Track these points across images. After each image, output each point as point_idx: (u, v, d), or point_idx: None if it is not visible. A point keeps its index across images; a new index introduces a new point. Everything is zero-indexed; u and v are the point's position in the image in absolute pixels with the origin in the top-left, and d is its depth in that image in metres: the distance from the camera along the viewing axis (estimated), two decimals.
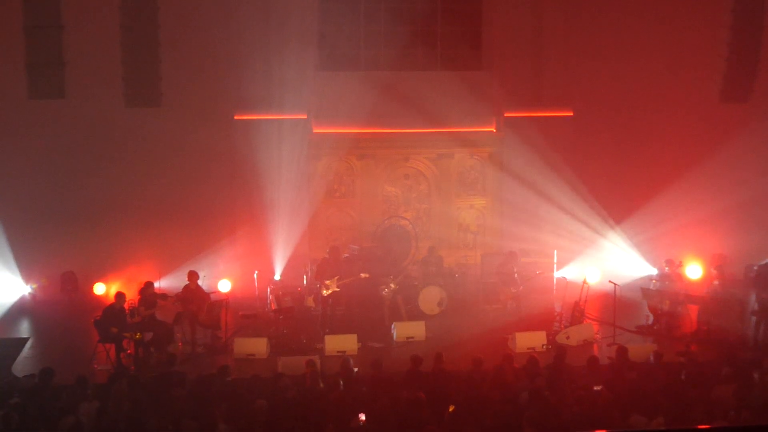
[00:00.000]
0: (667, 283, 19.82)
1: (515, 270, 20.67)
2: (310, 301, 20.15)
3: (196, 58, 22.15)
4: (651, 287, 19.92)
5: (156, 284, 19.02)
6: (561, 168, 22.85)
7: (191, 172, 22.45)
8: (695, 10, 23.39)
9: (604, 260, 22.18)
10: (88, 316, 18.88)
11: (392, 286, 19.86)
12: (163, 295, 18.47)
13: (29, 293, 22.05)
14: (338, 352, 17.40)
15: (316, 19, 23.30)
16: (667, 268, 20.18)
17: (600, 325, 19.62)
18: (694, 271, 21.68)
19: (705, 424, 12.28)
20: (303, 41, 22.73)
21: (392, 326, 18.96)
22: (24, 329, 20.31)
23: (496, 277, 20.88)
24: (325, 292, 19.43)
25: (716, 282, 19.35)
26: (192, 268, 19.10)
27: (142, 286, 18.41)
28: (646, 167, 23.04)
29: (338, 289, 19.66)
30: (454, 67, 23.94)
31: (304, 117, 22.88)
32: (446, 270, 21.76)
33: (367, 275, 19.68)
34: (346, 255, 21.60)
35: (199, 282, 18.88)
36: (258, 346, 17.79)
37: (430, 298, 20.42)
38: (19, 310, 21.42)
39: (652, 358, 15.34)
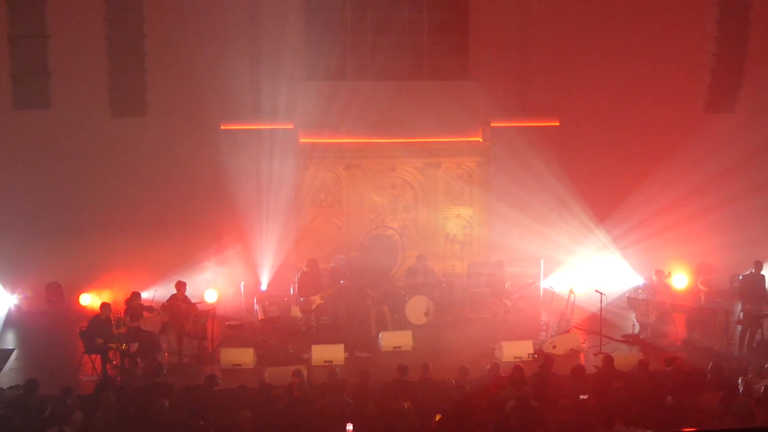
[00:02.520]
0: (653, 293, 19.96)
1: (506, 280, 20.76)
2: (296, 311, 20.17)
3: (181, 68, 22.12)
4: (637, 297, 20.05)
5: (143, 294, 19.03)
6: (547, 178, 22.96)
7: (177, 182, 22.47)
8: (680, 20, 23.56)
9: (590, 270, 22.28)
10: (74, 327, 18.88)
11: (374, 295, 19.94)
12: (150, 308, 18.46)
13: (14, 304, 21.98)
14: (325, 362, 17.44)
15: (302, 30, 23.40)
16: (655, 278, 20.31)
17: (586, 334, 19.70)
18: (680, 281, 21.85)
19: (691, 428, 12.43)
20: (290, 51, 22.83)
21: (379, 336, 19.02)
22: (9, 340, 20.27)
23: (486, 287, 20.96)
24: (307, 306, 19.54)
25: (702, 290, 19.53)
26: (179, 279, 19.11)
27: (129, 296, 18.41)
28: (632, 178, 23.14)
29: (323, 302, 19.77)
30: (441, 77, 24.05)
31: (291, 127, 22.92)
32: (433, 279, 21.84)
33: (345, 282, 19.76)
34: (332, 265, 21.68)
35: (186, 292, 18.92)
36: (245, 356, 17.81)
37: (417, 308, 20.50)
38: (4, 321, 21.35)
39: (638, 367, 15.41)
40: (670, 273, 20.72)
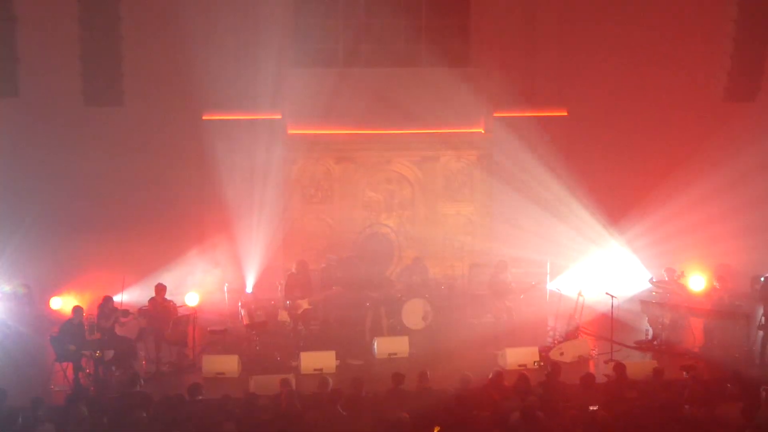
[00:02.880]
0: (668, 295, 19.90)
1: (510, 280, 20.75)
2: (284, 316, 20.14)
3: (161, 54, 22.08)
4: (651, 299, 20.01)
5: (118, 298, 18.98)
6: (555, 171, 22.96)
7: (156, 176, 22.37)
8: (698, 2, 23.51)
9: (601, 270, 22.26)
10: (45, 333, 18.82)
11: (375, 296, 19.91)
12: (125, 312, 18.41)
13: None
14: (315, 370, 17.40)
15: (291, 12, 23.33)
16: (665, 277, 20.22)
17: (596, 340, 19.70)
18: (696, 282, 21.78)
19: None
20: (277, 36, 22.76)
21: (373, 342, 18.98)
22: None
23: (488, 289, 20.93)
24: (294, 311, 19.53)
25: (720, 293, 19.46)
26: (158, 280, 19.07)
27: (101, 301, 18.36)
28: (645, 170, 23.14)
29: (310, 307, 19.73)
30: (440, 64, 23.89)
31: (278, 117, 22.91)
32: (432, 281, 21.79)
33: (337, 289, 19.75)
34: (323, 265, 21.63)
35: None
36: (228, 364, 17.75)
37: (414, 312, 20.47)
38: None
39: (652, 375, 15.38)
40: (683, 273, 20.56)
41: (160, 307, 18.56)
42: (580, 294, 19.83)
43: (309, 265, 20.86)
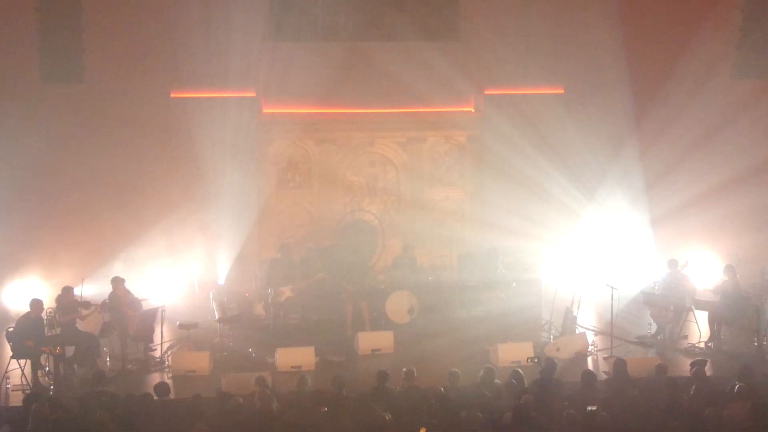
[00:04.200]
0: (672, 286, 19.94)
1: (501, 268, 20.76)
2: (259, 309, 20.12)
3: (125, 27, 21.98)
4: (653, 291, 20.06)
5: (77, 290, 18.94)
6: (550, 153, 22.97)
7: (119, 158, 22.29)
8: None
9: (600, 260, 22.32)
10: None
11: (351, 290, 19.92)
12: (86, 303, 18.38)
13: None
14: (293, 367, 17.39)
15: None
16: (668, 269, 20.26)
17: (595, 335, 19.73)
18: (702, 272, 21.87)
19: None
20: (251, 6, 22.68)
21: (356, 337, 18.99)
22: None
23: (479, 280, 20.95)
24: (276, 298, 19.49)
25: (728, 285, 19.50)
26: (120, 268, 19.07)
27: (60, 292, 18.30)
28: (646, 152, 23.21)
29: (293, 295, 19.71)
30: (427, 38, 23.88)
31: (253, 95, 22.86)
32: (419, 271, 21.80)
33: (323, 276, 19.74)
34: (301, 256, 21.61)
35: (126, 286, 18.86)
36: (199, 361, 17.73)
37: (399, 305, 20.46)
38: None
39: (655, 372, 15.44)
40: (687, 262, 20.52)
41: (120, 300, 18.52)
42: (578, 285, 19.85)
43: (294, 251, 20.86)
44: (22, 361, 17.19)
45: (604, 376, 16.06)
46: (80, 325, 18.12)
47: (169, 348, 18.76)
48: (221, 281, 21.83)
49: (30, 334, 17.11)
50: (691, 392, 14.55)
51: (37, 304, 17.61)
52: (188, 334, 19.01)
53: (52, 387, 16.75)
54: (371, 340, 18.90)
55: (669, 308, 19.47)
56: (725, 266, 19.94)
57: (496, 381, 14.90)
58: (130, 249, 21.82)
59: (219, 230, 22.42)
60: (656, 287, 20.18)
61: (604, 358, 18.16)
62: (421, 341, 19.34)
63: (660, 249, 22.86)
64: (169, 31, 22.00)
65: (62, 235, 22.04)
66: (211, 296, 20.59)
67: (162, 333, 18.68)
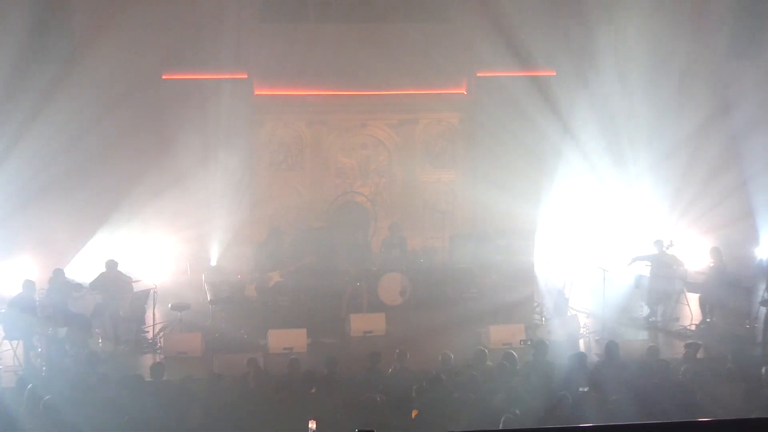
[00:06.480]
0: (664, 268, 19.91)
1: (494, 253, 20.76)
2: (251, 291, 20.09)
3: (116, 7, 21.90)
4: (645, 273, 20.05)
5: (66, 270, 18.92)
6: (542, 135, 22.94)
7: (111, 139, 22.23)
8: None
9: (592, 242, 22.31)
10: None
11: (352, 272, 19.90)
12: (78, 285, 18.35)
13: None
14: (284, 349, 17.39)
15: None
16: (656, 250, 20.17)
17: (587, 317, 19.74)
18: (694, 254, 21.86)
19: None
20: None
21: (348, 319, 18.97)
22: None
23: (470, 262, 20.94)
24: (264, 284, 19.48)
25: (714, 266, 19.45)
26: (111, 253, 18.98)
27: (52, 274, 18.25)
28: (639, 133, 23.19)
29: (281, 279, 19.67)
30: (419, 19, 23.87)
31: (245, 77, 22.82)
32: (410, 254, 21.78)
33: (313, 259, 19.71)
34: (291, 239, 21.57)
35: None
36: (191, 342, 17.75)
37: (391, 287, 20.44)
38: None
39: (647, 354, 15.45)
40: (672, 242, 20.33)
41: (112, 281, 18.48)
42: (570, 267, 19.85)
43: (283, 234, 20.84)
44: (14, 342, 17.18)
45: (596, 358, 16.05)
46: (72, 307, 18.08)
47: (161, 329, 18.74)
48: (213, 263, 21.79)
49: (22, 316, 17.09)
50: (682, 375, 14.55)
51: (29, 285, 17.60)
52: (180, 316, 19.01)
53: (44, 368, 16.75)
54: (363, 322, 18.90)
55: (661, 290, 19.47)
56: (711, 248, 19.91)
57: (488, 363, 14.91)
58: (122, 230, 21.75)
59: (211, 212, 22.36)
60: (648, 269, 20.07)
61: (596, 340, 18.15)
62: (412, 323, 19.34)
63: (650, 230, 22.83)
64: (161, 13, 21.89)
65: (53, 216, 21.94)
66: (203, 278, 20.57)
67: (154, 314, 18.68)
